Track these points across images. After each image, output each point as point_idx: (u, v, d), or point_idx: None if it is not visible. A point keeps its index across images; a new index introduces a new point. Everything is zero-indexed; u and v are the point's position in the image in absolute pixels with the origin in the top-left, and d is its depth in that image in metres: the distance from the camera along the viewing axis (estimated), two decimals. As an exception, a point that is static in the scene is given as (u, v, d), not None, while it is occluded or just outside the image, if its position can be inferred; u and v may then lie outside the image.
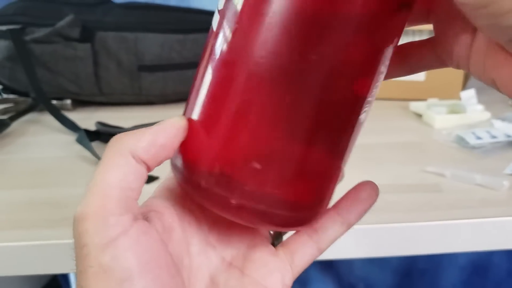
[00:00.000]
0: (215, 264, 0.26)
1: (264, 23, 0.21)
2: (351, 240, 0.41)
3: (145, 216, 0.24)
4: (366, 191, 0.28)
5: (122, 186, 0.21)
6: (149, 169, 0.22)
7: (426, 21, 0.26)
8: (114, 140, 0.22)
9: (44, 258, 0.39)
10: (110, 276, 0.20)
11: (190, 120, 0.24)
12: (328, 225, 0.28)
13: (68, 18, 0.69)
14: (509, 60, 0.22)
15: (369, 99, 0.24)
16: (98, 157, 0.53)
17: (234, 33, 0.22)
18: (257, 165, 0.22)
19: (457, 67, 0.25)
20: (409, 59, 0.26)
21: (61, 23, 0.69)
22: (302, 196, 0.24)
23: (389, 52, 0.23)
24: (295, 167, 0.23)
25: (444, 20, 0.24)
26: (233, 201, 0.23)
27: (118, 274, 0.20)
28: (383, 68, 0.24)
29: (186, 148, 0.24)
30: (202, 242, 0.26)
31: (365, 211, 0.28)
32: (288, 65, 0.21)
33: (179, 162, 0.24)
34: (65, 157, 0.56)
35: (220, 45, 0.23)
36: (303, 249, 0.27)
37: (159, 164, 0.23)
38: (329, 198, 0.26)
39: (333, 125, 0.23)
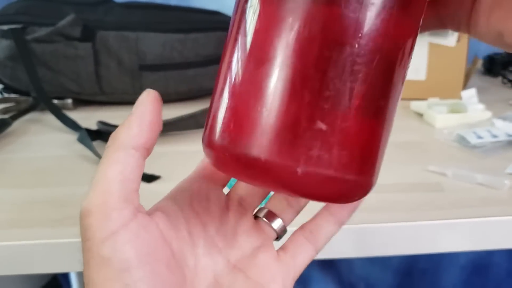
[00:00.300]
0: (220, 266, 0.26)
1: None
2: (353, 240, 0.41)
3: (149, 213, 0.25)
4: None
5: (121, 179, 0.22)
6: (148, 151, 0.24)
7: None
8: (110, 138, 0.23)
9: (44, 257, 0.39)
10: (109, 266, 0.21)
11: (235, 95, 0.23)
12: (322, 225, 0.29)
13: (69, 18, 0.69)
14: None
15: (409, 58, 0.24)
16: (99, 156, 0.53)
17: None
18: (322, 126, 0.21)
19: (457, 29, 0.26)
20: None
21: (62, 22, 0.69)
22: (364, 159, 0.23)
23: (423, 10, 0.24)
24: (354, 128, 0.22)
25: None
26: (299, 170, 0.21)
27: (117, 265, 0.21)
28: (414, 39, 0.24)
29: (237, 123, 0.22)
30: (208, 244, 0.26)
31: (356, 208, 0.29)
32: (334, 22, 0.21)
33: (226, 140, 0.23)
34: (66, 156, 0.56)
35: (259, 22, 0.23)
36: (301, 251, 0.28)
37: (155, 141, 0.24)
38: (379, 169, 0.25)
39: (386, 81, 0.23)
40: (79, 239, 0.38)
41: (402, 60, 0.23)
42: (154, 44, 0.72)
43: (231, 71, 0.23)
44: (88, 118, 0.67)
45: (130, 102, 0.77)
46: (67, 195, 0.47)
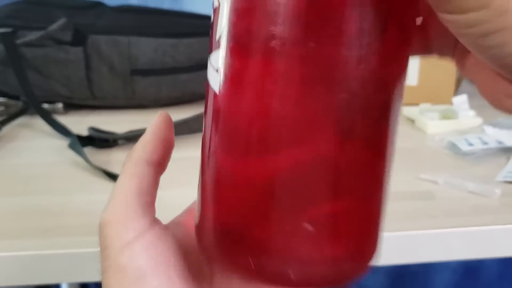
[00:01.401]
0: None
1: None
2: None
3: (168, 225, 0.26)
4: None
5: (138, 192, 0.24)
6: (163, 167, 0.26)
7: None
8: (127, 155, 0.25)
9: (35, 268, 0.39)
10: (125, 274, 0.22)
11: (203, 191, 0.23)
12: None
13: (60, 22, 0.68)
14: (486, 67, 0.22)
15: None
16: (91, 163, 0.53)
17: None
18: (308, 226, 0.20)
19: (443, 58, 0.25)
20: None
21: (53, 26, 0.68)
22: (363, 241, 0.22)
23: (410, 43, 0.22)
24: (350, 222, 0.21)
25: (431, 19, 0.25)
26: (292, 275, 0.20)
27: (133, 273, 0.22)
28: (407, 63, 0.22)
29: (207, 219, 0.22)
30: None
31: None
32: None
33: (203, 234, 0.23)
34: (57, 162, 0.56)
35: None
36: None
37: (169, 158, 0.26)
38: (374, 243, 0.23)
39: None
40: (71, 250, 0.38)
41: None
42: (146, 48, 0.71)
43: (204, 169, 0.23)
44: (79, 122, 0.67)
45: (122, 106, 0.77)
46: (58, 203, 0.46)
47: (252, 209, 0.20)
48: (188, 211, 0.29)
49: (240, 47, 0.20)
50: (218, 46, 0.21)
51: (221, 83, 0.21)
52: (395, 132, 0.22)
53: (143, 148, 0.25)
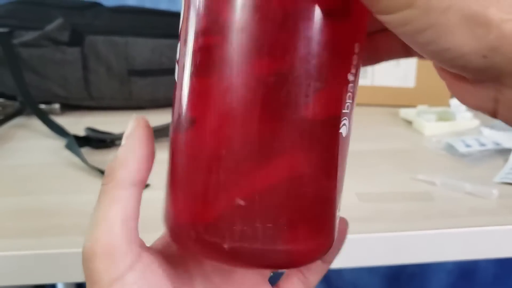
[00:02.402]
0: None
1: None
2: (342, 250, 0.41)
3: (152, 247, 0.26)
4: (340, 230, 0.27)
5: (123, 219, 0.22)
6: (144, 183, 0.24)
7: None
8: (106, 178, 0.23)
9: (31, 268, 0.39)
10: None
11: (172, 175, 0.24)
12: (312, 267, 0.29)
13: (57, 22, 0.68)
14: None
15: (344, 111, 0.23)
16: (87, 163, 0.53)
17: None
18: (241, 202, 0.21)
19: (423, 58, 0.25)
20: (378, 50, 0.26)
21: (50, 26, 0.68)
22: (297, 226, 0.23)
23: (349, 61, 0.22)
24: (281, 195, 0.22)
25: None
26: (226, 246, 0.22)
27: None
28: (351, 77, 0.23)
29: (171, 204, 0.23)
30: (205, 282, 0.26)
31: (340, 248, 0.29)
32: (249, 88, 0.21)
33: (167, 219, 0.24)
34: (53, 163, 0.55)
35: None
36: (313, 270, 0.28)
37: (150, 172, 0.24)
38: (331, 226, 0.24)
39: (313, 146, 0.22)
40: (66, 250, 0.38)
41: (325, 123, 0.23)
42: (143, 49, 0.71)
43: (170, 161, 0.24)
44: (76, 123, 0.66)
45: (119, 107, 0.77)
46: (54, 204, 0.46)
47: (198, 182, 0.22)
48: (164, 236, 0.28)
49: (185, 42, 0.23)
50: (179, 39, 0.23)
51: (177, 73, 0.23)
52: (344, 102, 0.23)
53: (125, 168, 0.23)
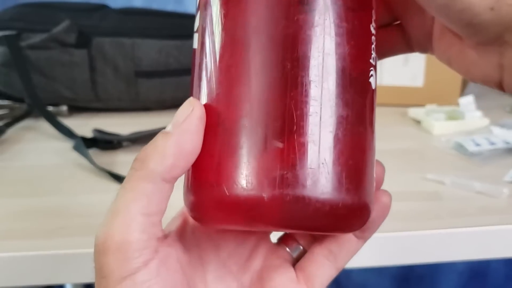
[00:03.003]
0: None
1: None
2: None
3: (167, 236, 0.24)
4: (378, 203, 0.26)
5: (145, 213, 0.21)
6: (176, 179, 0.22)
7: (388, 15, 0.27)
8: (137, 163, 0.21)
9: (39, 268, 0.39)
10: None
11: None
12: (343, 243, 0.26)
13: (64, 24, 0.69)
14: (456, 39, 0.23)
15: (371, 61, 0.23)
16: (95, 165, 0.53)
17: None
18: (278, 144, 0.20)
19: (425, 52, 0.27)
20: (382, 45, 0.26)
21: (57, 28, 0.68)
22: (339, 175, 0.21)
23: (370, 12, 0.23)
24: (320, 139, 0.21)
25: (403, 9, 0.26)
26: (265, 195, 0.20)
27: None
28: (372, 29, 0.23)
29: (196, 171, 0.22)
30: (219, 268, 0.26)
31: (380, 223, 0.27)
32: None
33: (190, 193, 0.22)
34: (61, 164, 0.56)
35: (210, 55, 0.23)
36: (321, 271, 0.26)
37: (189, 167, 0.22)
38: (370, 187, 0.23)
39: (347, 93, 0.22)
40: (74, 250, 0.38)
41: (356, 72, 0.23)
42: (150, 50, 0.71)
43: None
44: (84, 125, 0.66)
45: (126, 108, 0.77)
46: (62, 205, 0.46)
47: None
48: (181, 214, 0.27)
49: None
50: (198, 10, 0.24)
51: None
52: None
53: (161, 160, 0.20)
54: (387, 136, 0.64)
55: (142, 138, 0.60)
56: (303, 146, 0.20)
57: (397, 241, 0.41)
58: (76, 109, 0.74)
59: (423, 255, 0.42)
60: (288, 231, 0.26)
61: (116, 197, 0.21)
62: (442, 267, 1.07)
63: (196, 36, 0.24)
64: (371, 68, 0.23)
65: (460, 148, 0.58)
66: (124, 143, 0.60)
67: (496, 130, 0.63)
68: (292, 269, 0.26)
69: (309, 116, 0.21)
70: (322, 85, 0.21)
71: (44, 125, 0.66)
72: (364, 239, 0.27)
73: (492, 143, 0.58)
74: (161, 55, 0.72)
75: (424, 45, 0.26)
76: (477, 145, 0.57)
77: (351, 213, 0.22)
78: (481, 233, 0.42)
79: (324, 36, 0.21)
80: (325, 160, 0.21)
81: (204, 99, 0.22)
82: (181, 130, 0.21)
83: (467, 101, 0.69)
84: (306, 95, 0.21)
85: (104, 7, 0.78)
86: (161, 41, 0.71)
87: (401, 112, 0.72)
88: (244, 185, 0.20)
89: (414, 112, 0.70)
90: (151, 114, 0.73)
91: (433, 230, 0.42)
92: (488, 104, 0.74)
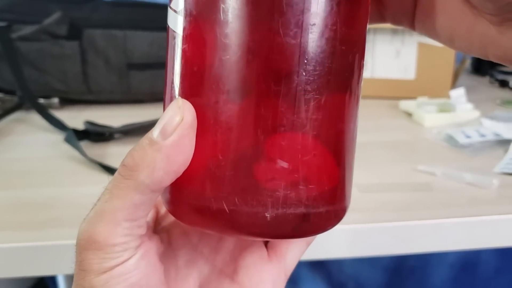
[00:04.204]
0: (205, 273, 0.26)
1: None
2: (342, 240, 0.41)
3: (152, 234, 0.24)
4: None
5: (131, 219, 0.21)
6: (164, 188, 0.21)
7: None
8: (125, 170, 0.21)
9: (31, 260, 0.39)
10: None
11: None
12: None
13: (56, 15, 0.68)
14: (467, 15, 0.22)
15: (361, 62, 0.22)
16: (87, 157, 0.53)
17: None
18: (283, 164, 0.20)
19: (399, 24, 0.25)
20: None
21: (48, 20, 0.68)
22: (332, 188, 0.22)
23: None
24: (317, 159, 0.21)
25: None
26: (268, 214, 0.20)
27: None
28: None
29: (193, 177, 0.21)
30: (190, 253, 0.26)
31: None
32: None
33: (176, 194, 0.22)
34: (52, 156, 0.55)
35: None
36: (291, 247, 0.27)
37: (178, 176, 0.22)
38: (348, 184, 0.24)
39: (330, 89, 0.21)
40: (66, 241, 0.38)
41: (354, 75, 0.22)
42: (141, 42, 0.71)
43: None
44: (75, 117, 0.66)
45: (118, 101, 0.76)
46: (53, 197, 0.46)
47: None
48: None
49: None
50: None
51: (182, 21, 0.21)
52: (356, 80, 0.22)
53: (151, 174, 0.20)
54: (379, 128, 0.65)
55: (134, 130, 0.60)
56: (279, 161, 0.20)
57: (389, 232, 0.42)
58: (68, 101, 0.74)
59: (414, 245, 0.43)
60: (267, 239, 0.26)
61: (102, 198, 0.21)
62: (433, 259, 1.08)
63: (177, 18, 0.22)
64: (359, 55, 0.22)
65: (450, 140, 0.59)
66: (116, 135, 0.60)
67: (487, 123, 0.64)
68: (264, 248, 0.27)
69: (284, 129, 0.20)
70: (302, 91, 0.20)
71: (35, 118, 0.66)
72: None
73: (482, 135, 0.58)
74: (153, 47, 0.71)
75: (399, 18, 0.25)
76: (468, 137, 0.58)
77: (326, 220, 0.22)
78: (471, 223, 0.43)
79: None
80: (301, 172, 0.21)
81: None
82: (172, 142, 0.20)
83: (458, 94, 0.69)
84: (283, 107, 0.20)
85: (95, -2, 0.77)
86: (153, 33, 0.71)
87: (393, 105, 0.72)
88: (247, 204, 0.20)
89: (405, 104, 0.70)
90: (143, 106, 0.73)
91: (424, 221, 0.42)
92: (479, 97, 0.75)
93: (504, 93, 0.82)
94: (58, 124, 0.62)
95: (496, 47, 0.21)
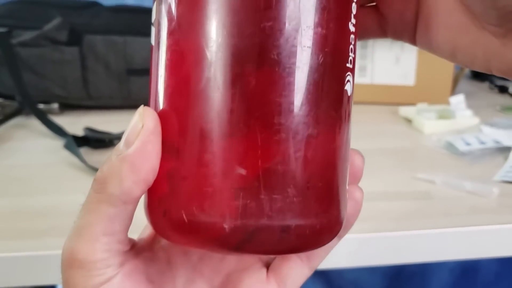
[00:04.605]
0: None
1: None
2: (342, 250, 0.41)
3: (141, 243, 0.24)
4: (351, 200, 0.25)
5: (110, 233, 0.21)
6: (138, 199, 0.21)
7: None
8: (96, 184, 0.21)
9: (30, 269, 0.39)
10: None
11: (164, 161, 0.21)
12: None
13: (56, 21, 0.68)
14: (470, 28, 0.21)
15: (348, 65, 0.21)
16: (86, 164, 0.53)
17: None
18: (241, 171, 0.19)
19: (400, 39, 0.25)
20: None
21: (49, 26, 0.68)
22: (306, 196, 0.20)
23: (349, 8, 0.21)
24: (287, 160, 0.19)
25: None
26: (226, 225, 0.19)
27: None
28: (352, 27, 0.21)
29: (155, 189, 0.20)
30: (190, 272, 0.25)
31: (354, 221, 0.26)
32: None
33: (150, 208, 0.21)
34: (52, 163, 0.55)
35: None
36: (294, 272, 0.26)
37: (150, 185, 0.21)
38: (341, 199, 0.22)
39: (318, 102, 0.20)
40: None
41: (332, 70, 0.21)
42: (141, 48, 0.71)
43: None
44: (75, 122, 0.66)
45: (117, 106, 0.76)
46: (52, 204, 0.46)
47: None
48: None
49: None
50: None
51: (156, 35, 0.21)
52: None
53: (119, 184, 0.20)
54: (378, 134, 0.64)
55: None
56: (268, 173, 0.19)
57: (388, 241, 0.42)
58: (67, 107, 0.73)
59: (413, 254, 0.43)
60: (252, 255, 0.25)
61: (80, 213, 0.21)
62: (433, 265, 1.08)
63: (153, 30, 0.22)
64: (348, 74, 0.21)
65: (450, 147, 0.58)
66: (116, 142, 0.60)
67: (486, 129, 0.64)
68: (263, 270, 0.26)
69: (275, 140, 0.19)
70: (290, 103, 0.19)
71: (35, 123, 0.66)
72: (339, 237, 0.26)
73: (482, 143, 0.58)
74: (153, 53, 0.71)
75: (399, 32, 0.24)
76: (468, 144, 0.58)
77: (320, 234, 0.21)
78: (471, 232, 0.42)
79: (295, 46, 0.19)
80: (292, 186, 0.19)
81: (161, 104, 0.21)
82: (134, 149, 0.20)
83: (458, 100, 0.69)
84: (272, 115, 0.19)
85: (95, 4, 0.78)
86: (153, 39, 0.71)
87: (392, 111, 0.72)
88: (204, 213, 0.19)
89: (405, 110, 0.70)
90: (143, 112, 0.73)
91: (423, 230, 0.42)
92: (478, 103, 0.75)
93: (503, 99, 0.82)
94: (58, 130, 0.62)
95: (500, 60, 0.21)
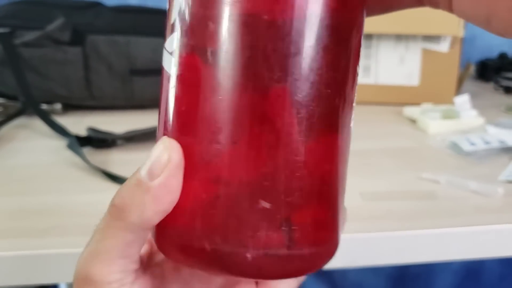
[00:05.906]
0: None
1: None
2: (346, 249, 0.41)
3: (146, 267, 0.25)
4: None
5: (126, 256, 0.22)
6: (155, 224, 0.22)
7: None
8: (115, 210, 0.21)
9: (33, 268, 0.38)
10: None
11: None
12: None
13: (59, 21, 0.68)
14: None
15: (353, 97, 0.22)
16: (89, 164, 0.52)
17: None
18: (265, 204, 0.20)
19: (436, 6, 0.24)
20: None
21: (51, 26, 0.68)
22: (320, 227, 0.22)
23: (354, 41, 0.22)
24: (303, 200, 0.21)
25: None
26: (249, 255, 0.20)
27: None
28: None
29: (177, 215, 0.21)
30: (181, 287, 0.26)
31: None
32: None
33: (169, 231, 0.22)
34: (55, 163, 0.55)
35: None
36: (282, 285, 0.27)
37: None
38: (338, 220, 0.23)
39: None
40: (68, 250, 0.38)
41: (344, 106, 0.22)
42: (145, 48, 0.71)
43: None
44: (78, 123, 0.66)
45: (121, 107, 0.76)
46: (56, 204, 0.46)
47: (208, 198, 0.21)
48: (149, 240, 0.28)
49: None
50: (173, 30, 0.22)
51: (175, 65, 0.22)
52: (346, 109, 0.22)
53: (140, 213, 0.20)
54: (382, 135, 0.64)
55: (137, 137, 0.60)
56: (290, 206, 0.20)
57: (392, 241, 0.41)
58: (70, 107, 0.73)
59: (418, 255, 0.42)
60: (256, 279, 0.26)
61: (95, 237, 0.22)
62: (437, 266, 1.07)
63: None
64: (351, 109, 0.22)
65: (455, 147, 0.58)
66: (119, 142, 0.60)
67: (491, 129, 0.63)
68: (252, 283, 0.27)
69: (296, 176, 0.20)
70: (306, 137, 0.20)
71: (37, 124, 0.65)
72: None
73: (487, 143, 0.58)
74: (156, 53, 0.71)
75: (436, 0, 0.23)
76: (472, 144, 0.57)
77: (324, 258, 0.23)
78: (476, 232, 0.42)
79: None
80: (309, 218, 0.21)
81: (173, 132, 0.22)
82: (160, 183, 0.20)
83: (463, 100, 0.69)
84: (295, 153, 0.20)
85: (98, 4, 0.77)
86: (156, 39, 0.71)
87: (397, 111, 0.72)
88: (216, 241, 0.20)
89: (409, 111, 0.70)
90: (146, 113, 0.73)
91: (428, 230, 0.42)
92: (483, 103, 0.74)
93: (509, 100, 0.81)
94: (61, 130, 0.62)
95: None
